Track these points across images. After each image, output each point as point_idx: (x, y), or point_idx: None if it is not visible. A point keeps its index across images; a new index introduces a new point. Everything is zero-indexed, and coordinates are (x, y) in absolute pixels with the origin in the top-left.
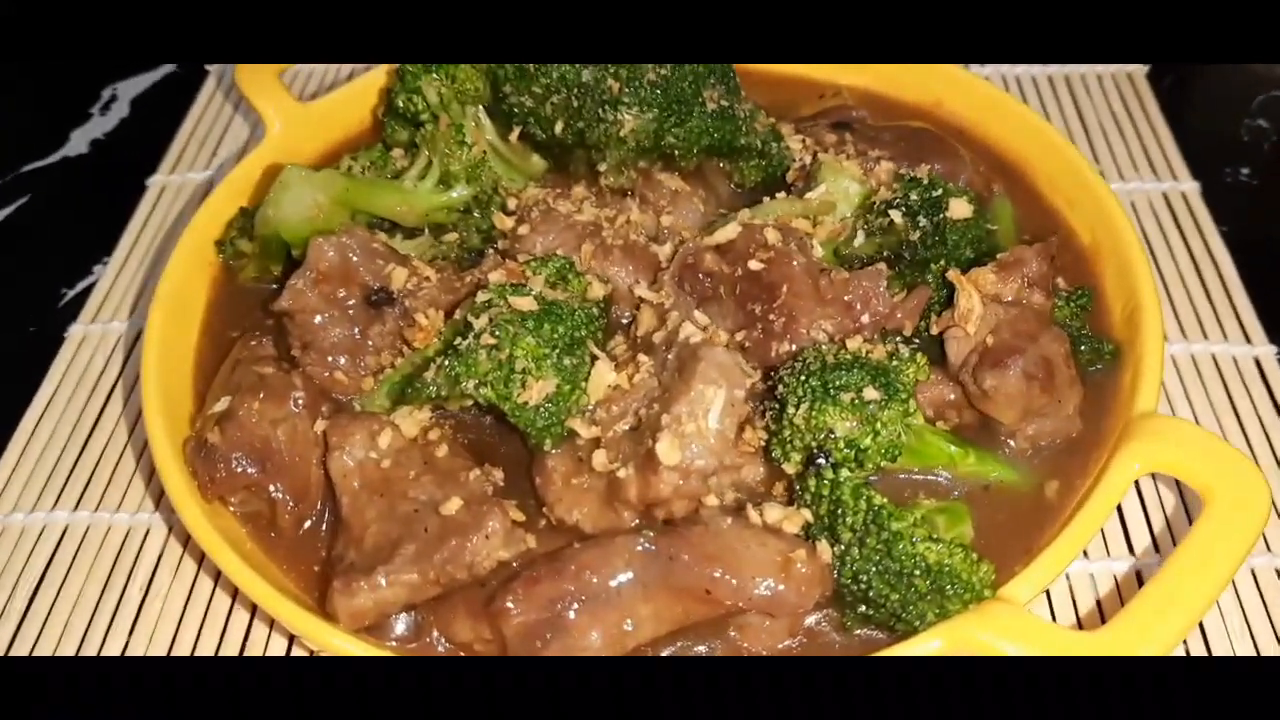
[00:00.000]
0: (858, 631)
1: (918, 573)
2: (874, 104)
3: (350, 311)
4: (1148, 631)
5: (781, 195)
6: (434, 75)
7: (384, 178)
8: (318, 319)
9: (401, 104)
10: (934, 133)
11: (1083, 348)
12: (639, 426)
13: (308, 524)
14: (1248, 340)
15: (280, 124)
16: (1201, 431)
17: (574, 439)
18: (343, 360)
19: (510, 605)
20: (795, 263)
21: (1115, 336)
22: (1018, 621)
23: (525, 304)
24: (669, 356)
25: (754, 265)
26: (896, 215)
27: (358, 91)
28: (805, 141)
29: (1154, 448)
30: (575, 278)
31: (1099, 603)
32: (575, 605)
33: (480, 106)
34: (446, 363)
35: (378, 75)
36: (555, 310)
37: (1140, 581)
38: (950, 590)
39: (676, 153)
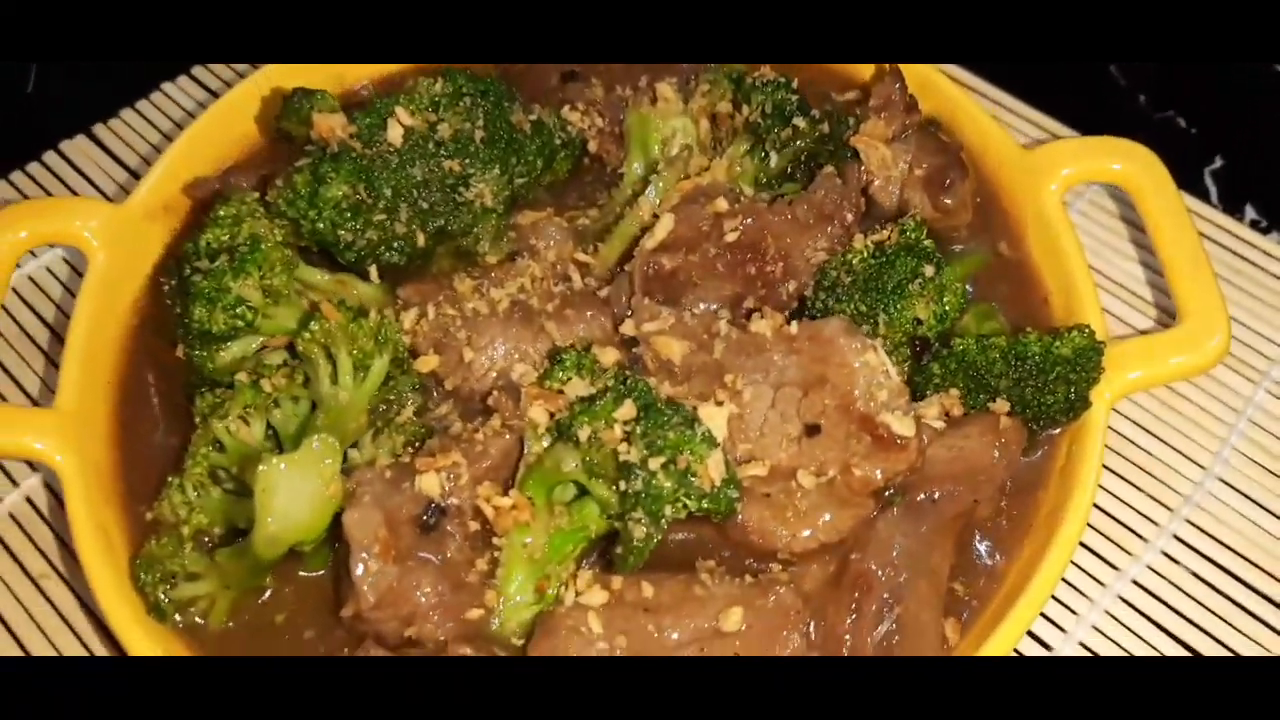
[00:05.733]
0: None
1: (1066, 368)
2: None
3: (421, 555)
4: (1206, 306)
5: (662, 170)
6: (246, 275)
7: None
8: (413, 588)
9: (220, 327)
10: None
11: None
12: (817, 430)
13: None
14: None
15: None
16: (1082, 140)
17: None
18: (460, 598)
19: (849, 639)
20: (763, 210)
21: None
22: (1135, 348)
23: (628, 410)
24: (774, 358)
25: (730, 237)
26: (801, 120)
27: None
28: (579, 108)
29: (1061, 171)
30: (586, 358)
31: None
32: (898, 604)
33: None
34: (639, 510)
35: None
36: (644, 393)
37: None
38: (1091, 361)
39: (524, 190)
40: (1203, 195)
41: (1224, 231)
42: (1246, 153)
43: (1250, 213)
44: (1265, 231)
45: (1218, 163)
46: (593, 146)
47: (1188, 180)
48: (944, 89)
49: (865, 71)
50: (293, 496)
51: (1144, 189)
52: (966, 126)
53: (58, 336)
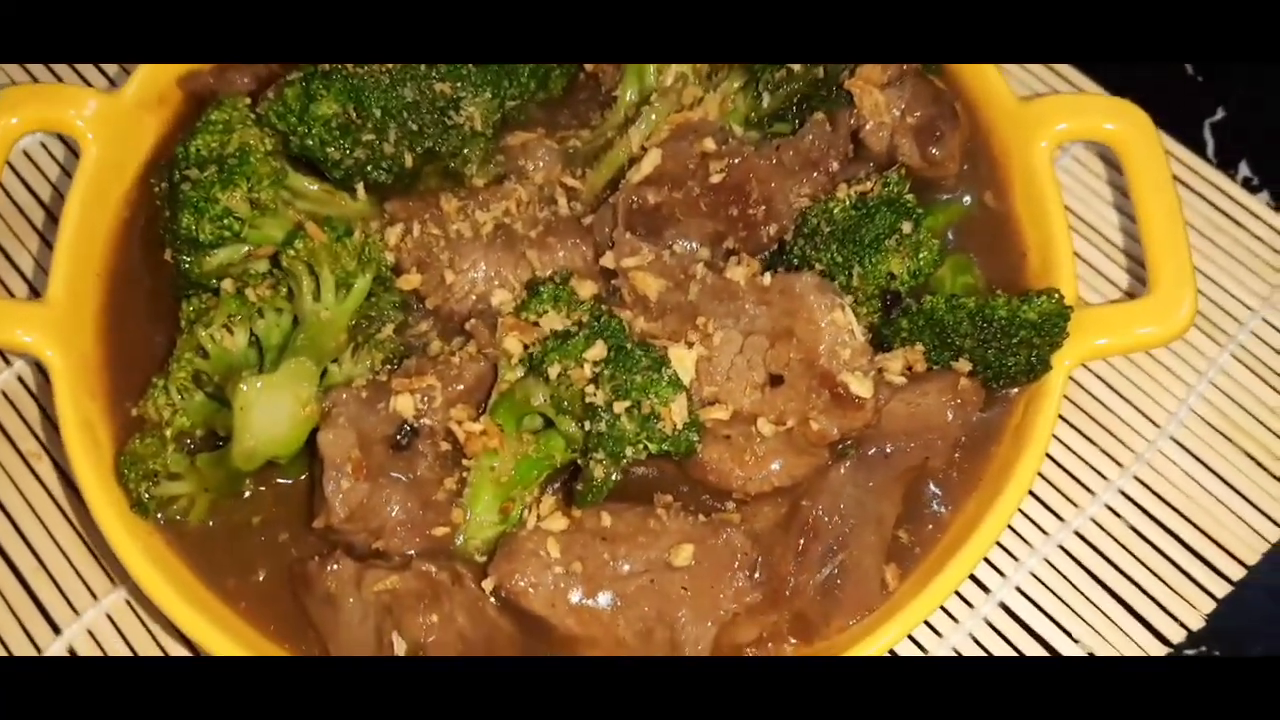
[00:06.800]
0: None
1: (1031, 332)
2: None
3: (392, 474)
4: (1176, 278)
5: (655, 101)
6: (234, 187)
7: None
8: (383, 504)
9: (207, 235)
10: None
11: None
12: (780, 381)
13: None
14: None
15: None
16: (1078, 97)
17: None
18: (428, 515)
19: (792, 580)
20: (750, 154)
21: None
22: (1101, 315)
23: (599, 351)
24: (746, 306)
25: (715, 178)
26: (796, 64)
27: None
28: None
29: (1054, 126)
30: (564, 291)
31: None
32: (842, 550)
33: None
34: (601, 453)
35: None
36: (617, 333)
37: None
38: (1056, 326)
39: (516, 111)
40: (1199, 148)
41: (1213, 188)
42: (1250, 108)
43: (1244, 169)
44: (1256, 190)
45: (1219, 114)
46: (589, 65)
47: (1186, 130)
48: None
49: None
50: (270, 415)
51: (1133, 152)
52: (965, 70)
53: (52, 216)
